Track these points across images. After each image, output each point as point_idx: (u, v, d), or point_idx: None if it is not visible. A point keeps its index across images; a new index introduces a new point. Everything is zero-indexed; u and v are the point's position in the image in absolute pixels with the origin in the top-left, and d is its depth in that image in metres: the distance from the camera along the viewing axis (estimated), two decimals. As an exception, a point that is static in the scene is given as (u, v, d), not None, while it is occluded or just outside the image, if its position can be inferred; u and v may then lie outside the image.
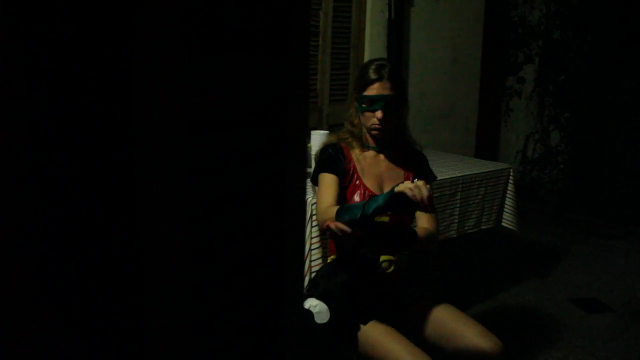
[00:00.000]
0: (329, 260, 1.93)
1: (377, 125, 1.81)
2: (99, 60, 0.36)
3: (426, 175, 1.96)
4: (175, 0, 0.40)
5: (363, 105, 1.82)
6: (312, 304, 1.67)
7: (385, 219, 1.80)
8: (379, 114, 1.79)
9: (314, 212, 2.21)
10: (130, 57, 0.37)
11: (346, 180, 1.85)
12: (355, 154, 1.88)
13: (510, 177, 3.19)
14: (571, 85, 4.92)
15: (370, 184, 1.84)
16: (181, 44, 0.41)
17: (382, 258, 1.84)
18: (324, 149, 1.91)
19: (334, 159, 1.86)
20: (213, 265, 0.49)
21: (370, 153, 1.90)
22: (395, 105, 1.82)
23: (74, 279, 0.37)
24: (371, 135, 1.87)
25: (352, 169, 1.86)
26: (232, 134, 0.51)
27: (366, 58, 3.95)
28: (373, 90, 1.81)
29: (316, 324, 1.66)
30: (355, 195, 1.82)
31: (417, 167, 1.96)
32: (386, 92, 1.79)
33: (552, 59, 5.03)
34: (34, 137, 0.34)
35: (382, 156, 1.91)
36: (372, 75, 1.81)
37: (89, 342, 0.39)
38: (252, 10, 0.52)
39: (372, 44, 3.97)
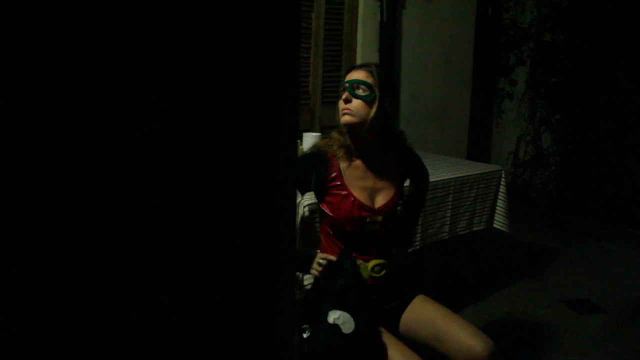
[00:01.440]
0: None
1: (345, 110, 1.77)
2: (89, 60, 0.36)
3: (418, 176, 1.98)
4: (166, 2, 0.40)
5: (339, 97, 1.81)
6: (335, 316, 1.64)
7: (379, 218, 1.80)
8: (345, 95, 1.77)
9: (305, 214, 2.21)
10: (121, 57, 0.37)
11: (329, 191, 1.82)
12: (343, 164, 1.83)
13: (502, 179, 3.20)
14: (562, 87, 4.95)
15: (360, 195, 1.80)
16: (172, 45, 0.41)
17: (373, 262, 1.84)
18: (306, 157, 1.87)
19: (304, 172, 1.82)
20: (203, 267, 0.49)
21: (358, 162, 1.84)
22: (366, 92, 1.77)
23: (62, 281, 0.37)
24: (345, 126, 1.80)
25: (337, 179, 1.81)
26: (222, 136, 0.51)
27: (358, 60, 3.96)
28: (347, 77, 1.82)
29: (344, 335, 1.62)
30: (345, 207, 1.79)
31: (408, 169, 1.95)
32: (358, 77, 1.78)
33: (543, 61, 5.06)
34: (23, 137, 0.34)
35: (370, 164, 1.85)
36: (352, 67, 1.86)
37: (79, 342, 0.39)
38: (243, 12, 0.52)
39: (364, 46, 3.98)
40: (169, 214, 0.43)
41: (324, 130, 3.61)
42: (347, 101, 1.77)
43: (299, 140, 2.70)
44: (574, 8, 4.78)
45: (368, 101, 1.77)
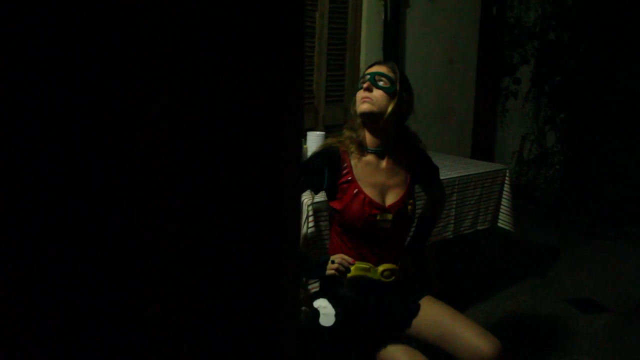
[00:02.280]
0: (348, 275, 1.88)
1: (365, 98, 1.78)
2: (92, 60, 0.36)
3: (427, 173, 1.99)
4: (171, 1, 0.40)
5: (359, 88, 1.83)
6: (322, 304, 1.67)
7: (389, 216, 1.79)
8: (366, 84, 1.79)
9: (310, 214, 2.21)
10: (125, 56, 0.37)
11: (340, 187, 1.82)
12: (354, 160, 1.83)
13: (506, 178, 3.20)
14: (567, 86, 4.93)
15: (371, 192, 1.80)
16: (176, 44, 0.41)
17: (383, 267, 1.84)
18: (318, 154, 1.87)
19: (317, 170, 1.82)
20: (207, 266, 0.49)
21: (370, 158, 1.84)
22: (387, 84, 1.79)
23: (67, 280, 0.37)
24: (362, 116, 1.81)
25: (349, 176, 1.81)
26: (227, 134, 0.51)
27: (362, 59, 3.95)
28: (369, 70, 1.85)
29: (320, 325, 1.66)
30: (355, 205, 1.78)
31: (419, 171, 1.95)
32: (381, 70, 1.82)
33: (547, 60, 5.04)
34: (26, 138, 0.34)
35: (382, 162, 1.85)
36: (374, 62, 1.90)
37: (83, 342, 0.39)
38: (247, 12, 0.52)
39: (368, 45, 3.97)
40: (173, 213, 0.43)
41: (328, 129, 3.61)
42: (368, 90, 1.79)
43: (303, 140, 2.70)
44: (579, 7, 4.76)
45: (389, 93, 1.79)
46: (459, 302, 2.99)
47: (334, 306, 1.70)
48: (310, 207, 2.21)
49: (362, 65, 3.93)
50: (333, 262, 1.81)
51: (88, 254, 0.38)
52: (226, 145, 0.51)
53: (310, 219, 2.22)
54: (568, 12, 4.85)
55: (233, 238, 0.53)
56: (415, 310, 1.86)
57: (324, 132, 2.88)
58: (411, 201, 1.86)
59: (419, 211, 2.13)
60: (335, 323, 1.66)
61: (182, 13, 0.41)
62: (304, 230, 2.21)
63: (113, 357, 0.41)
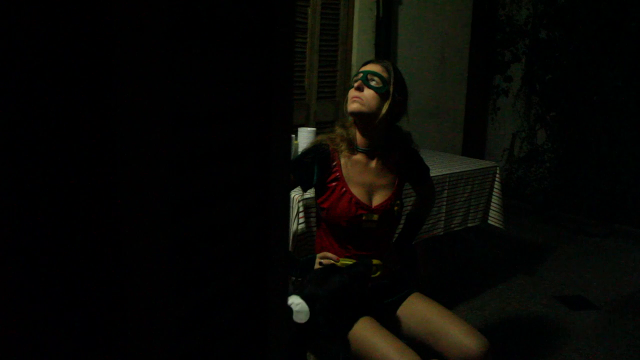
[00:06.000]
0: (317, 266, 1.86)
1: (355, 97, 1.76)
2: (79, 52, 0.35)
3: (416, 173, 1.99)
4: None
5: (351, 86, 1.81)
6: (295, 301, 1.66)
7: (375, 217, 1.79)
8: (357, 83, 1.77)
9: (300, 210, 2.21)
10: (113, 51, 0.37)
11: (328, 186, 1.81)
12: (344, 159, 1.82)
13: (497, 175, 3.21)
14: (557, 85, 4.96)
15: (358, 192, 1.80)
16: (164, 38, 0.41)
17: None
18: (308, 151, 1.86)
19: (307, 167, 1.81)
20: (195, 261, 0.49)
21: (359, 158, 1.83)
22: (379, 84, 1.76)
23: (54, 277, 0.37)
24: (352, 115, 1.80)
25: (337, 175, 1.81)
26: (215, 129, 0.51)
27: (354, 55, 3.95)
28: (362, 68, 1.83)
29: (293, 322, 1.65)
30: (342, 204, 1.78)
31: (407, 167, 1.94)
32: (374, 69, 1.79)
33: (539, 58, 5.07)
34: (13, 134, 0.34)
35: (372, 162, 1.84)
36: (368, 60, 1.86)
37: (71, 337, 0.39)
38: (237, 5, 0.51)
39: (360, 42, 3.97)
40: (162, 208, 0.43)
41: (320, 125, 3.60)
42: (359, 89, 1.77)
43: (293, 135, 2.70)
44: (570, 5, 4.78)
45: (380, 93, 1.77)
46: (448, 299, 3.01)
47: (307, 303, 1.71)
48: (301, 203, 2.21)
49: (354, 62, 3.93)
50: (321, 263, 1.81)
51: (75, 250, 0.37)
52: (215, 141, 0.51)
53: (301, 214, 2.22)
54: (559, 10, 4.87)
55: (221, 233, 0.53)
56: (403, 302, 1.87)
57: (315, 128, 2.88)
58: (398, 202, 1.86)
59: (407, 209, 2.13)
60: (309, 320, 1.65)
61: (170, 6, 0.41)
62: (294, 226, 2.21)
63: (101, 352, 0.40)
